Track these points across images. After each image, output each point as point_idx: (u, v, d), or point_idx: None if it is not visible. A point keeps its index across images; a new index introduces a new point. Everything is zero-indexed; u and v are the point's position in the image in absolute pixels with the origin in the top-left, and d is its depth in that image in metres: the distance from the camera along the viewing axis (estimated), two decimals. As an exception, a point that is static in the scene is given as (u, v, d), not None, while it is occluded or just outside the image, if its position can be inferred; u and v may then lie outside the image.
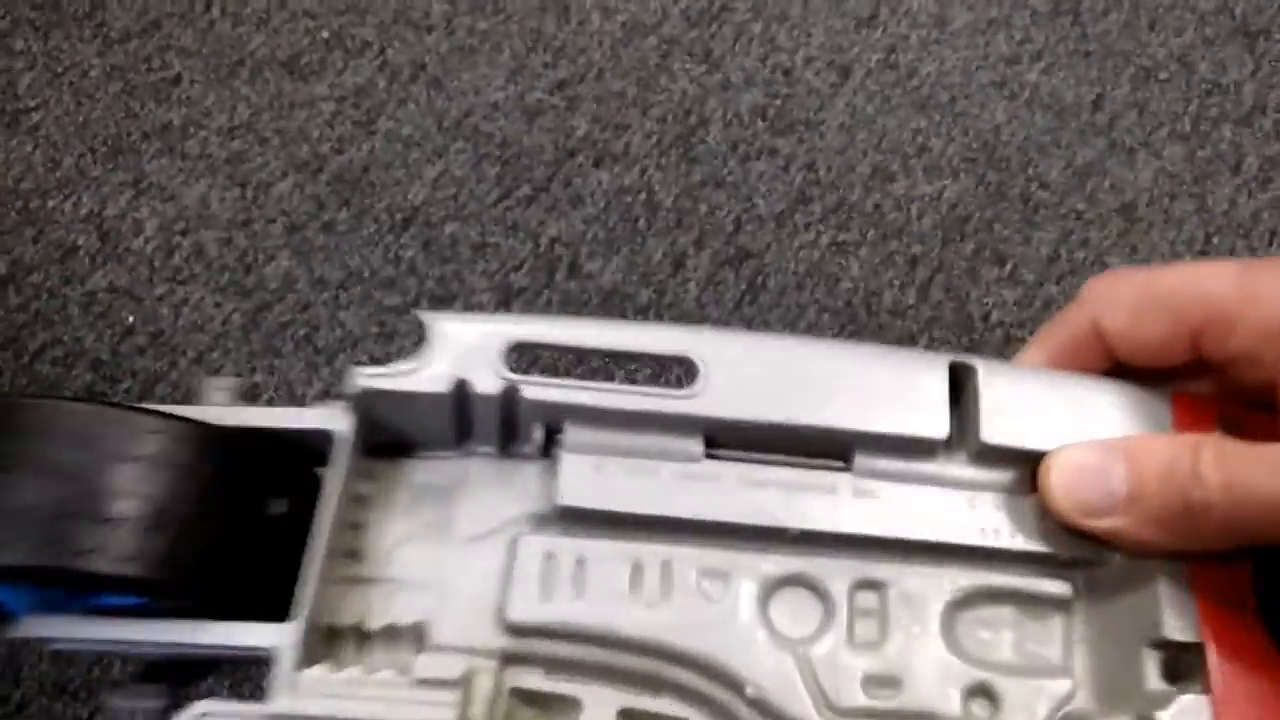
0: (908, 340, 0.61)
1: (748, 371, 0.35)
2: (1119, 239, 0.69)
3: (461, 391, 0.35)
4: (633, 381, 0.45)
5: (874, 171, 0.66)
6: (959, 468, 0.36)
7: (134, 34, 0.74)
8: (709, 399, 0.35)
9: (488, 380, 0.34)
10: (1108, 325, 0.34)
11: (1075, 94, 0.73)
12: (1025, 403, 0.35)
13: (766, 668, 0.34)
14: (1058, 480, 0.34)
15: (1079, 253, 0.67)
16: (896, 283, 0.60)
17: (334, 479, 0.34)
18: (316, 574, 0.33)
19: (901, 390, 0.35)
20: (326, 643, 0.35)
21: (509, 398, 0.35)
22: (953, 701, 0.34)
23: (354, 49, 0.72)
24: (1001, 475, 0.36)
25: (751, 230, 0.60)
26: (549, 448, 0.36)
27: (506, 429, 0.36)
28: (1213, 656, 0.32)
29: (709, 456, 0.36)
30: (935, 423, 0.35)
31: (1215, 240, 0.71)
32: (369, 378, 0.34)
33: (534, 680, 0.36)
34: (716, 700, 0.35)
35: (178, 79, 0.73)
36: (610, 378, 0.47)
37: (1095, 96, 0.74)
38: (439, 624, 0.35)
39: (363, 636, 0.36)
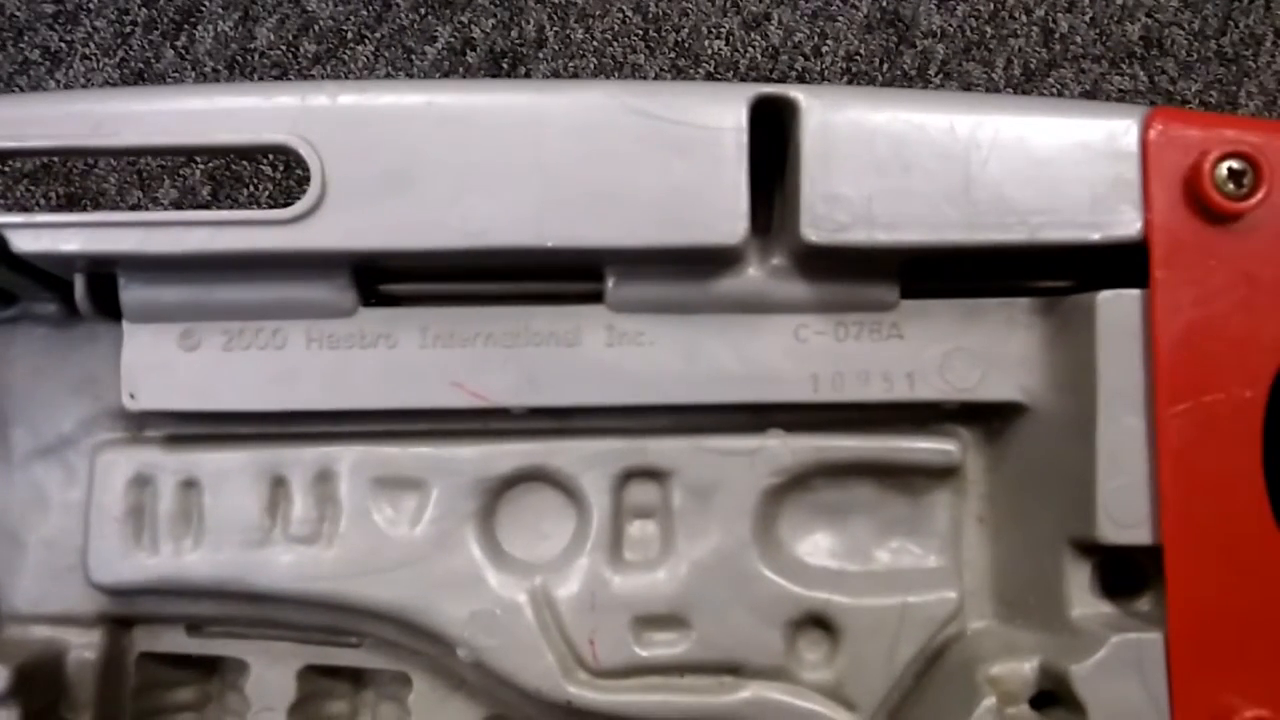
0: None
1: (399, 156, 0.20)
2: None
3: None
4: (243, 177, 0.29)
5: None
6: (775, 280, 0.22)
7: None
8: (334, 216, 0.20)
9: None
10: None
11: None
12: (888, 153, 0.20)
13: (487, 618, 0.22)
14: None
15: None
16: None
17: None
18: None
19: (668, 155, 0.20)
20: None
21: None
22: (771, 640, 0.22)
23: None
24: (849, 286, 0.22)
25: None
26: (116, 304, 0.22)
27: (43, 281, 0.23)
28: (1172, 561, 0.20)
29: (370, 302, 0.22)
30: (726, 214, 0.21)
31: None
32: None
33: (172, 640, 0.24)
34: (429, 654, 0.23)
35: None
36: (212, 182, 0.30)
37: None
38: (11, 582, 0.24)
39: (-87, 602, 0.24)
